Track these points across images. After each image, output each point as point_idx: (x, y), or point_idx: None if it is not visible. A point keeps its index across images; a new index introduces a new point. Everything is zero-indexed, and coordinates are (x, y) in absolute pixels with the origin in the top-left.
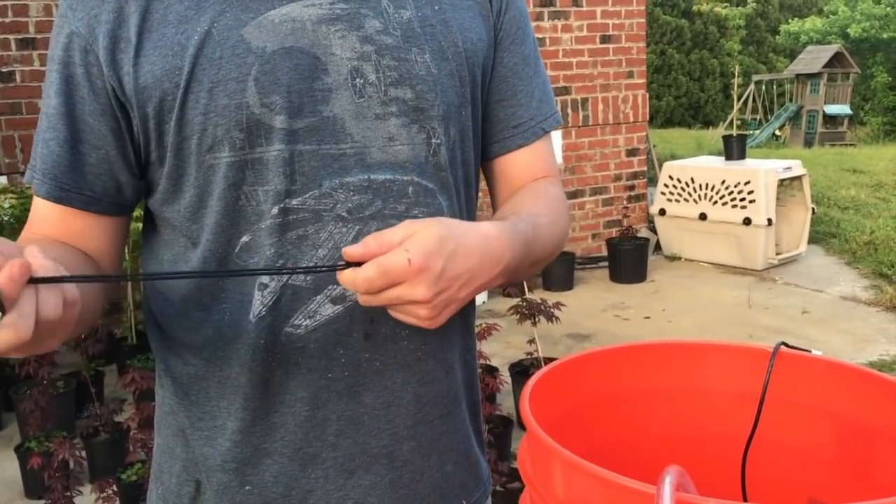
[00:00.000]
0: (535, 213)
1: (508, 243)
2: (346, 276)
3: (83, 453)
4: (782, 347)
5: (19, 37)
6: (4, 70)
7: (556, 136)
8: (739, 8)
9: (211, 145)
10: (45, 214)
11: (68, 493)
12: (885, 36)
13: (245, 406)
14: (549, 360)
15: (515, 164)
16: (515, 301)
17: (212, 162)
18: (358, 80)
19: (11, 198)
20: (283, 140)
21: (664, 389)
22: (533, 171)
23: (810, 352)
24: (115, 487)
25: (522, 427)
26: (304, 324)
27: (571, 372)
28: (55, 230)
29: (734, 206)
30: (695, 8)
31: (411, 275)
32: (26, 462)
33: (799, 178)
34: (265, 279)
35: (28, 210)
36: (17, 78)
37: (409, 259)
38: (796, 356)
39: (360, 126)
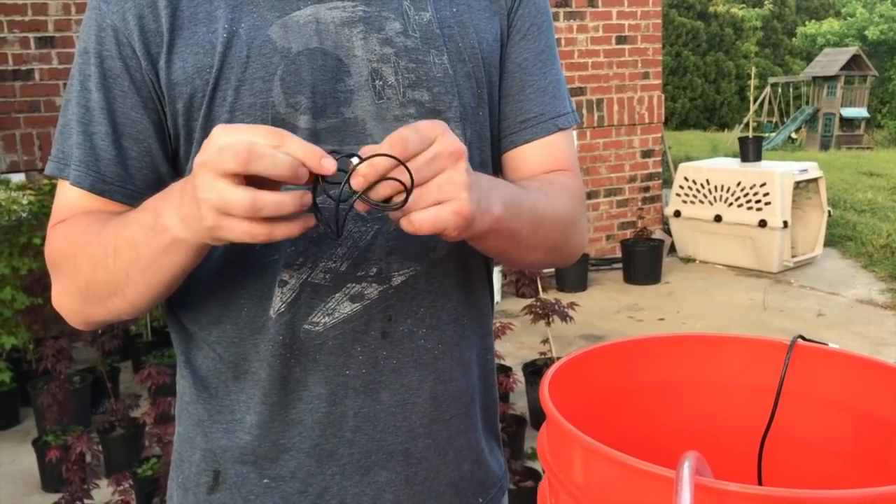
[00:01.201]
0: (529, 185)
1: (500, 184)
2: (387, 143)
3: (99, 448)
4: (799, 340)
5: (38, 35)
6: (24, 68)
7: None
8: (756, 9)
9: None
10: (85, 205)
11: (85, 486)
12: None
13: (264, 401)
14: None
15: (526, 159)
16: (529, 301)
17: None
18: (377, 81)
19: (30, 195)
20: (306, 139)
21: (681, 382)
22: (545, 165)
23: (827, 345)
24: (130, 481)
25: (535, 426)
26: (323, 321)
27: (590, 363)
28: None
29: (749, 208)
30: (711, 9)
31: (439, 129)
32: (44, 455)
33: (815, 180)
34: (285, 276)
35: (45, 206)
36: (37, 76)
37: (448, 140)
38: (813, 349)
39: (380, 127)
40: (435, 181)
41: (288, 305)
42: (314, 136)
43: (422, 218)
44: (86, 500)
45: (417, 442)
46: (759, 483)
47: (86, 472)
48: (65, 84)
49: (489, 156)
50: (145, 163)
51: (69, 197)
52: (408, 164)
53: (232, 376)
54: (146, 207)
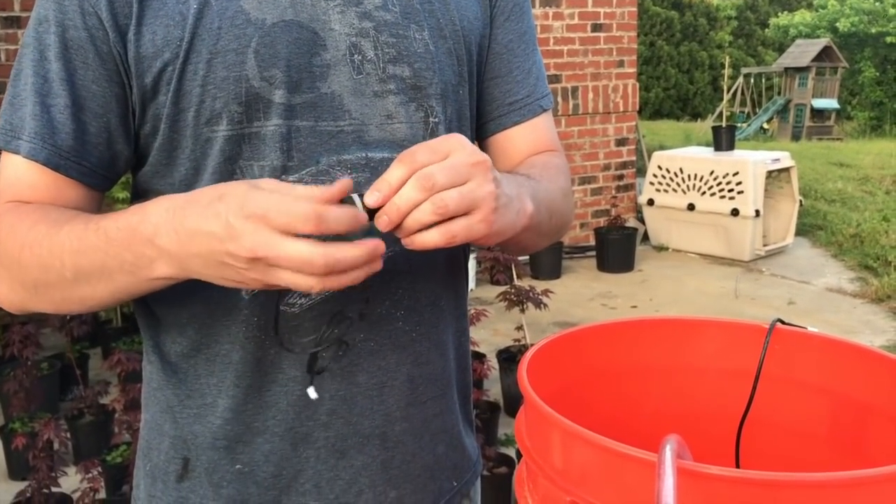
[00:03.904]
0: (530, 174)
1: (522, 185)
2: (405, 193)
3: (67, 435)
4: (778, 324)
5: (4, 15)
6: None
7: None
8: None
9: (209, 118)
10: (34, 181)
11: (53, 474)
12: (873, 31)
13: (237, 384)
14: None
15: (513, 141)
16: (504, 288)
17: (209, 135)
18: (356, 56)
19: None
20: (282, 115)
21: (660, 365)
22: (532, 147)
23: (806, 328)
24: (99, 469)
25: (509, 413)
26: (299, 302)
27: (568, 347)
28: (46, 198)
29: (722, 197)
30: None
31: (454, 142)
32: (10, 443)
33: (787, 169)
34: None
35: None
36: (2, 57)
37: (466, 153)
38: (792, 332)
39: (358, 103)
40: (461, 188)
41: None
42: (289, 111)
43: (454, 229)
44: (53, 488)
45: (394, 425)
46: (737, 466)
47: (53, 460)
48: None
49: (468, 135)
50: (102, 139)
51: (17, 171)
52: (422, 172)
53: (203, 359)
54: (112, 239)
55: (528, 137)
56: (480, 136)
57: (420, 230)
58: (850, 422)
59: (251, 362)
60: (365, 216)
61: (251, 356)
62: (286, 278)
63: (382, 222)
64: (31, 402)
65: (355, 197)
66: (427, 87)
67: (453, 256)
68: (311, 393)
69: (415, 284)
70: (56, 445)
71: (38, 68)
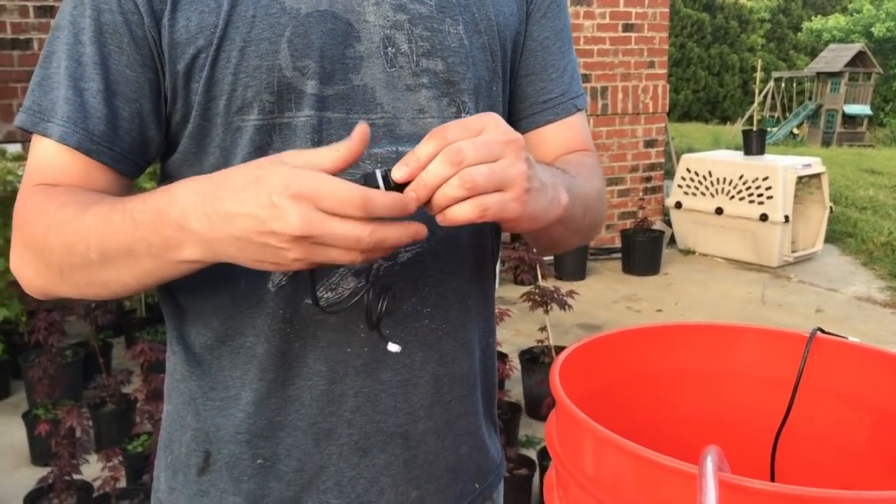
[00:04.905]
0: (565, 169)
1: (557, 176)
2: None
3: (90, 423)
4: (818, 333)
5: (38, 4)
6: (22, 38)
7: None
8: (765, 1)
9: (240, 107)
10: (65, 165)
11: (74, 461)
12: None
13: (260, 377)
14: (559, 348)
15: (546, 140)
16: (528, 288)
17: (239, 124)
18: (390, 49)
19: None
20: (313, 106)
21: (696, 371)
22: (565, 146)
23: (847, 338)
24: (120, 458)
25: (530, 414)
26: (326, 296)
27: (602, 350)
28: (76, 183)
29: (751, 202)
30: (718, 0)
31: (488, 119)
32: (34, 429)
33: (818, 175)
34: None
35: None
36: (35, 46)
37: (500, 131)
38: (833, 342)
39: (390, 96)
40: (492, 165)
41: (289, 279)
42: (321, 102)
43: (487, 202)
44: (75, 475)
45: (417, 424)
46: (772, 478)
47: (75, 447)
48: None
49: None
50: (134, 125)
51: (48, 154)
52: (451, 147)
53: (227, 351)
54: (139, 222)
55: (561, 136)
56: None
57: (450, 206)
58: (891, 436)
59: (275, 355)
60: (410, 205)
61: (275, 349)
62: (333, 255)
63: (410, 199)
64: (54, 388)
65: (378, 173)
66: (460, 82)
67: (482, 254)
68: (392, 347)
69: (442, 281)
70: (78, 433)
71: (71, 52)
